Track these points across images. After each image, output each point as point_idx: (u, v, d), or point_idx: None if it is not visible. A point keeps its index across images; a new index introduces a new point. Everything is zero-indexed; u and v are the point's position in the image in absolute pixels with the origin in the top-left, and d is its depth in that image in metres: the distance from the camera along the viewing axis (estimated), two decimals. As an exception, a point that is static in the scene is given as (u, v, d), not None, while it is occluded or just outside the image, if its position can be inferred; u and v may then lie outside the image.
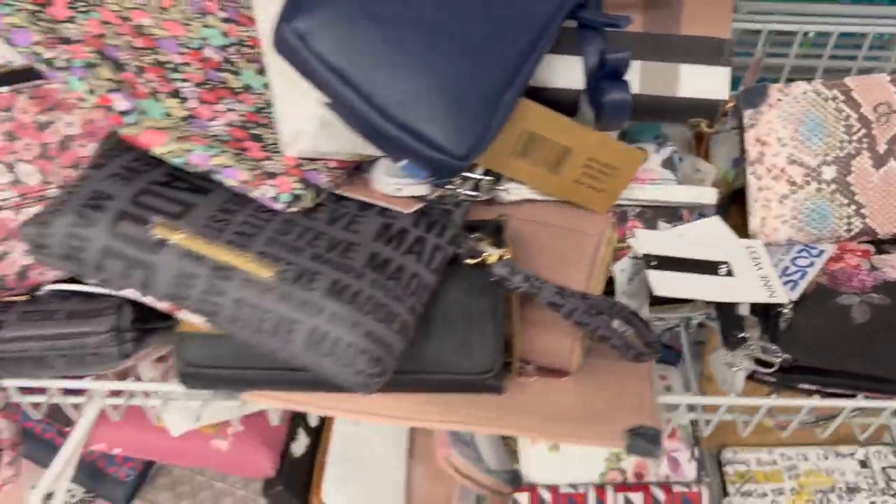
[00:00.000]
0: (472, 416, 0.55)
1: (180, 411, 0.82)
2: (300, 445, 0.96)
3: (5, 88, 0.56)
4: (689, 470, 0.80)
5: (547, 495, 0.77)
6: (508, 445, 1.00)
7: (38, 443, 0.94)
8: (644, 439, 0.53)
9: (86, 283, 0.57)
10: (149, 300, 0.50)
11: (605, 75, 0.55)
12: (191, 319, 0.50)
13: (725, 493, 0.86)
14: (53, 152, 0.57)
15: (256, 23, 0.57)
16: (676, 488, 0.77)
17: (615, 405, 0.57)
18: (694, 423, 0.81)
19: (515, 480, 0.93)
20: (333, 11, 0.47)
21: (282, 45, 0.48)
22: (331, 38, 0.47)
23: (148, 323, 0.59)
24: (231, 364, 0.54)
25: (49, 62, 0.50)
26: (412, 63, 0.48)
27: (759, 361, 0.64)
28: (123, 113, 0.51)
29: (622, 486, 0.77)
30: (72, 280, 0.58)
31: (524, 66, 0.53)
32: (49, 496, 0.82)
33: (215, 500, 0.98)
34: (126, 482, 0.96)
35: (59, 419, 0.88)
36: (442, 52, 0.49)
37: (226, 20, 0.61)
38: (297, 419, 0.97)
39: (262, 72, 0.60)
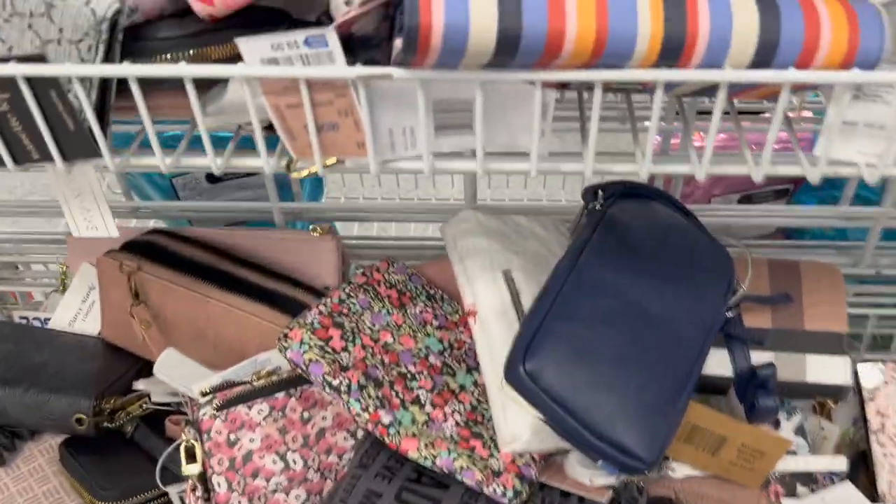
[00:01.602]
0: None
1: None
2: None
3: (281, 394, 0.72)
4: None
5: None
6: None
7: None
8: None
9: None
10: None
11: (756, 385, 0.69)
12: None
13: None
14: (312, 441, 0.73)
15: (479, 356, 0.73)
16: None
17: None
18: None
19: None
20: (555, 357, 0.62)
21: (514, 380, 0.63)
22: (554, 376, 0.62)
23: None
24: None
25: (336, 388, 0.67)
26: (614, 391, 0.63)
27: None
28: (387, 426, 0.66)
29: None
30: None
31: (690, 380, 0.67)
32: None
33: None
34: None
35: None
36: (635, 381, 0.63)
37: (439, 327, 0.78)
38: None
39: (469, 370, 0.76)
